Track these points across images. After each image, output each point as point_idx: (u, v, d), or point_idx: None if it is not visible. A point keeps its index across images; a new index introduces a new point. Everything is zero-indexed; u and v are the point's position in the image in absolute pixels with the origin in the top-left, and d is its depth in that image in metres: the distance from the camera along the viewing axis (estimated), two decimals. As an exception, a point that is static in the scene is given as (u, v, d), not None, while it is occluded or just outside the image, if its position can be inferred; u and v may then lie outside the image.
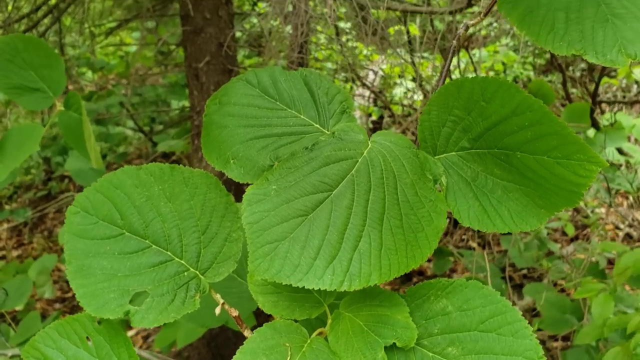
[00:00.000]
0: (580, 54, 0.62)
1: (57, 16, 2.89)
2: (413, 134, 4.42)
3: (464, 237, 3.89)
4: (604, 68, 3.96)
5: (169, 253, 0.75)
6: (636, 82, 3.31)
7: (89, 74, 3.93)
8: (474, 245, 3.70)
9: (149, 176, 0.75)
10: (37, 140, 1.15)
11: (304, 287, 0.63)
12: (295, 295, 0.71)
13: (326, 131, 0.74)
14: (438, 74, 4.40)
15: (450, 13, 1.86)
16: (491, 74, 4.87)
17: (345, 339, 0.67)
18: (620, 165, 2.93)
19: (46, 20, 2.96)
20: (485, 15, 0.72)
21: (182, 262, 0.75)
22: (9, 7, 2.98)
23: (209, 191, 0.75)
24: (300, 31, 2.68)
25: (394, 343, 0.65)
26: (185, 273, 0.75)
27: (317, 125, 0.75)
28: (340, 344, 0.67)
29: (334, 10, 2.28)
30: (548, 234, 3.19)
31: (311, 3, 2.69)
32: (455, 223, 3.79)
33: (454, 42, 0.72)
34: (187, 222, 0.75)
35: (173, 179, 0.75)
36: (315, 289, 0.65)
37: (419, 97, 4.41)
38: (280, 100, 0.77)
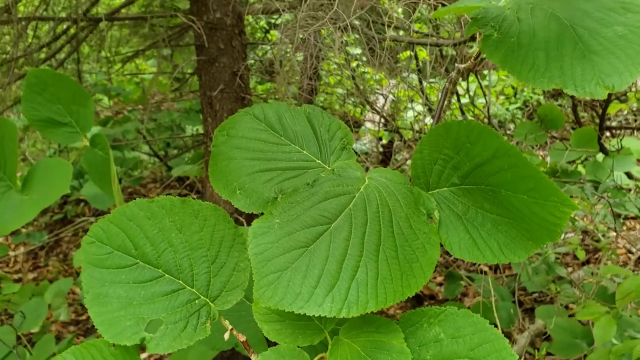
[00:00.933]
0: (560, 88, 0.67)
1: (76, 45, 3.00)
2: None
3: (475, 260, 3.88)
4: (609, 94, 3.98)
5: (180, 282, 0.80)
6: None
7: (105, 100, 4.03)
8: (485, 269, 3.71)
9: (161, 209, 0.80)
10: (68, 180, 1.21)
11: (305, 314, 0.68)
12: (298, 323, 0.76)
13: (327, 167, 0.79)
14: (447, 100, 4.43)
15: (455, 45, 1.92)
16: (501, 98, 4.91)
17: (345, 364, 0.71)
18: (630, 190, 2.95)
19: (65, 49, 3.07)
20: (477, 59, 0.77)
21: (193, 290, 0.80)
22: (29, 37, 3.09)
23: (217, 223, 0.81)
24: (311, 62, 2.76)
25: (391, 368, 0.70)
26: (197, 301, 0.80)
27: (319, 161, 0.80)
28: (340, 369, 0.71)
29: (343, 41, 2.34)
30: (557, 258, 3.20)
31: (323, 32, 2.76)
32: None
33: (447, 84, 0.77)
34: (197, 252, 0.80)
35: (184, 211, 0.81)
36: (315, 316, 0.69)
37: (428, 121, 4.45)
38: (284, 135, 0.83)
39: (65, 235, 4.17)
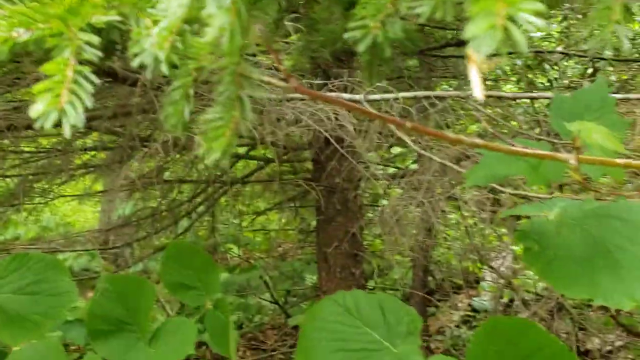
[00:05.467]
0: (591, 298, 0.76)
1: (212, 202, 3.42)
2: (542, 319, 4.29)
3: None
4: None
5: None
6: None
7: (235, 249, 4.41)
8: None
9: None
10: (193, 340, 1.39)
11: None
12: None
13: (393, 349, 0.92)
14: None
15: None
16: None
17: None
18: None
19: (203, 205, 3.50)
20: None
21: None
22: (175, 193, 3.55)
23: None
24: (426, 224, 2.91)
25: None
26: None
27: (387, 344, 0.93)
28: None
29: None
30: None
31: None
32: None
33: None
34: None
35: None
36: None
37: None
38: (359, 318, 0.98)
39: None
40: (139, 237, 3.19)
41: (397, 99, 1.65)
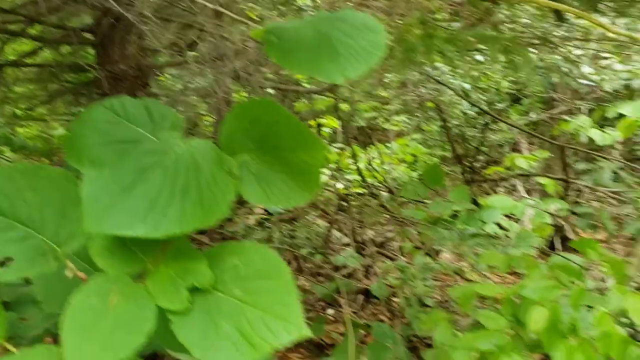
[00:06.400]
0: (315, 76, 0.95)
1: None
2: (329, 221, 4.75)
3: (374, 311, 4.17)
4: (494, 162, 4.47)
5: (31, 230, 1.00)
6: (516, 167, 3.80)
7: (9, 152, 4.12)
8: (383, 317, 3.98)
9: (18, 172, 1.01)
10: None
11: (130, 248, 0.90)
12: (124, 256, 0.96)
13: (155, 139, 1.03)
14: (355, 166, 4.82)
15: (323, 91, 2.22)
16: (403, 165, 5.33)
17: (160, 285, 0.92)
18: (498, 237, 3.34)
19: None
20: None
21: (43, 237, 1.00)
22: None
23: (66, 184, 1.02)
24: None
25: (196, 287, 0.91)
26: (45, 246, 0.99)
27: (151, 136, 1.04)
28: (156, 288, 0.92)
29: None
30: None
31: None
32: (367, 298, 4.12)
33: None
34: (48, 207, 1.01)
35: (38, 174, 1.02)
36: (137, 249, 0.91)
37: (339, 185, 4.78)
38: (125, 118, 1.07)
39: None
40: None
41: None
